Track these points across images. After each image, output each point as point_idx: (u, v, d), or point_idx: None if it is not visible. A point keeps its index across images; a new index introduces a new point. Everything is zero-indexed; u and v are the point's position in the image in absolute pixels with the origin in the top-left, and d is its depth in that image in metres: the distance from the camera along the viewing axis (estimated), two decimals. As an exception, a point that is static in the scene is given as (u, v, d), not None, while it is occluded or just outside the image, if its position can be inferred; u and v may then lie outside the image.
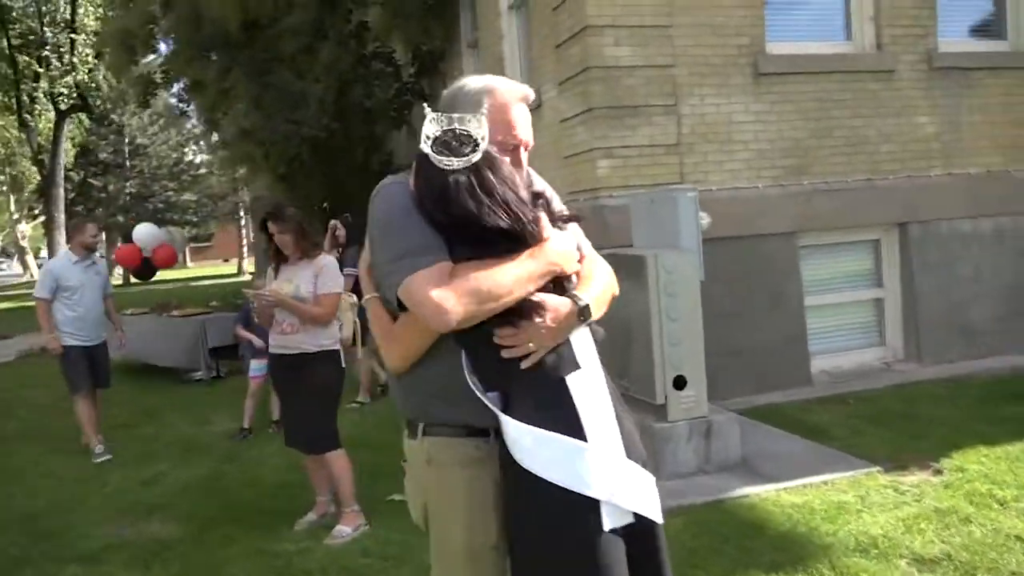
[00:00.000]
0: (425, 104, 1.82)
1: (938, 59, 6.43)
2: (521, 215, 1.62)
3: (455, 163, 1.61)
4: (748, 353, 5.86)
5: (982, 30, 6.85)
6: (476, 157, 1.62)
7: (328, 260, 4.10)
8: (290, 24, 9.20)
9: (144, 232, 12.76)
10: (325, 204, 11.09)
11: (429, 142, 1.64)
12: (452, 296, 1.57)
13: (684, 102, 5.85)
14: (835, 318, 6.59)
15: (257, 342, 6.16)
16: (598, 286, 1.79)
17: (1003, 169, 6.71)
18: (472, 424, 1.79)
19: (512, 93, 1.81)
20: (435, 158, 1.62)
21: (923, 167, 6.49)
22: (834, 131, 6.24)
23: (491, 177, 1.62)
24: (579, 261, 1.79)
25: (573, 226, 1.85)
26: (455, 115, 1.67)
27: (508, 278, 1.60)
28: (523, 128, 1.82)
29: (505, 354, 1.64)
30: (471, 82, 1.83)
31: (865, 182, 6.34)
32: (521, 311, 1.63)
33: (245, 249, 33.24)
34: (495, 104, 1.77)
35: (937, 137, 6.52)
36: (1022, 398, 5.40)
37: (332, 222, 7.08)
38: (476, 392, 1.71)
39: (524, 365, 1.64)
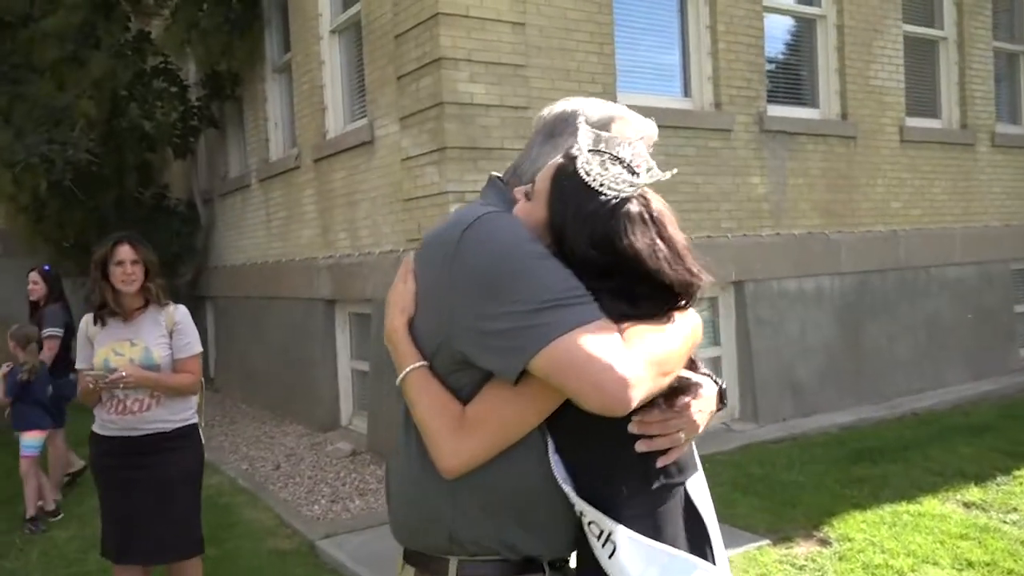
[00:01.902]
0: (579, 112, 1.43)
1: (768, 122, 6.61)
2: (693, 267, 1.29)
3: (626, 187, 1.25)
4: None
5: (800, 98, 7.18)
6: (648, 181, 1.27)
7: (183, 310, 3.17)
8: (52, 27, 7.63)
9: None
10: (75, 242, 9.34)
11: (595, 160, 1.26)
12: (639, 364, 1.16)
13: (540, 148, 5.41)
14: (676, 377, 6.44)
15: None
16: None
17: (821, 231, 7.02)
18: (521, 550, 1.32)
19: (639, 128, 1.45)
20: (600, 175, 1.24)
21: (756, 226, 6.60)
22: (679, 187, 6.12)
23: (663, 210, 1.30)
24: None
25: None
26: (603, 134, 1.30)
27: (678, 347, 1.27)
28: None
29: (642, 447, 1.26)
30: (589, 108, 1.45)
31: (707, 239, 6.28)
32: (675, 391, 1.28)
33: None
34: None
35: (766, 197, 6.67)
36: (864, 458, 5.50)
37: (31, 273, 5.57)
38: (574, 501, 1.27)
39: (661, 463, 1.29)
